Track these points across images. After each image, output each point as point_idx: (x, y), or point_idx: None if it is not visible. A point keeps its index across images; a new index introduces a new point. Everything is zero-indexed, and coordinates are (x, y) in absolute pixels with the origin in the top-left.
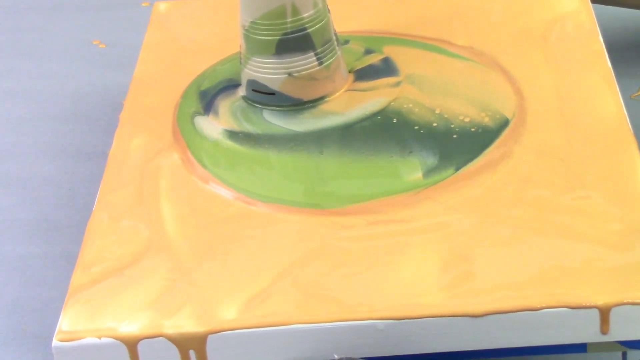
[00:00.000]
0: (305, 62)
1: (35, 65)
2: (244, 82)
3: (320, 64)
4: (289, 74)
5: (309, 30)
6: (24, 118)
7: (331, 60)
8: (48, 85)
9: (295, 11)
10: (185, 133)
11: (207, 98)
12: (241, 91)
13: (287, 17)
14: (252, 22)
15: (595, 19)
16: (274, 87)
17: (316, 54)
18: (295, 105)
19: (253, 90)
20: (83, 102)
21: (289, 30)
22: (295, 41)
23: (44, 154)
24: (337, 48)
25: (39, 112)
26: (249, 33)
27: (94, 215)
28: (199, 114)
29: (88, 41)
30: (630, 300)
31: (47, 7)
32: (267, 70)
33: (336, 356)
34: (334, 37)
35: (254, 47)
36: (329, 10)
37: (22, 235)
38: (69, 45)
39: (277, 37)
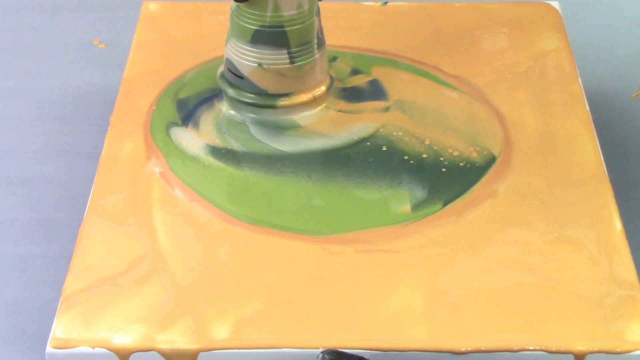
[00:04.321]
0: (277, 58)
1: (35, 65)
2: (224, 58)
3: (292, 63)
4: (259, 64)
5: (286, 29)
6: (24, 118)
7: (305, 62)
8: (48, 85)
9: (277, 7)
10: (161, 145)
11: (187, 108)
12: (221, 77)
13: (267, 10)
14: (237, 6)
15: (574, 60)
16: (244, 72)
17: (289, 53)
18: (260, 94)
19: (228, 68)
20: (83, 102)
21: (266, 24)
22: (270, 35)
23: (44, 154)
24: (315, 51)
25: (39, 112)
26: (233, 15)
27: (87, 219)
28: (176, 124)
29: (88, 41)
30: (604, 349)
31: (47, 7)
32: (241, 55)
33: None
34: (315, 41)
35: (235, 30)
36: (318, 14)
37: (22, 235)
38: (69, 45)
39: (254, 27)
